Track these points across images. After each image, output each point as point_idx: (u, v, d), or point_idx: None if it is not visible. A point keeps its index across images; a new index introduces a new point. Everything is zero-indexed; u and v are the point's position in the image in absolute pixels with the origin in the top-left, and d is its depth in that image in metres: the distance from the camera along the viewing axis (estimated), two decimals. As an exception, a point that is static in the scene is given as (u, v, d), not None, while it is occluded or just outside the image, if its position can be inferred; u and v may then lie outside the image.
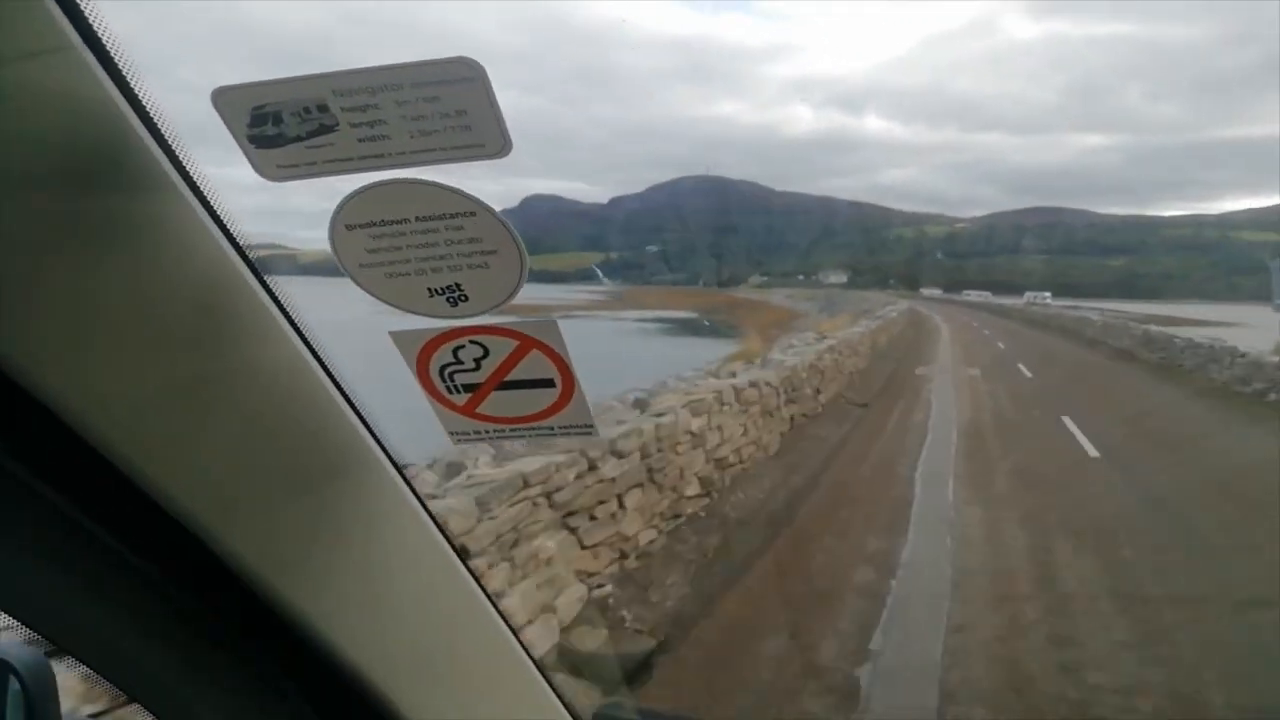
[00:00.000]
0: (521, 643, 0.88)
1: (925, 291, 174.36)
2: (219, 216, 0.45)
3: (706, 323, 64.42)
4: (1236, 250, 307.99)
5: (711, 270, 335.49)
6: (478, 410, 0.80)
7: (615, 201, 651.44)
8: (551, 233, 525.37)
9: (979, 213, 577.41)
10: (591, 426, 0.80)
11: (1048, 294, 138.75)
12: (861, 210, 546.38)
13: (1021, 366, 21.60)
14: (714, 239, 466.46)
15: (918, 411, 14.39)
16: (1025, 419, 13.83)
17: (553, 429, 0.80)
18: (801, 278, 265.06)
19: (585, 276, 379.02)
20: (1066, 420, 12.64)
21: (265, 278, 0.50)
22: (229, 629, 0.51)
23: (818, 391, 12.75)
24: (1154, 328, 27.44)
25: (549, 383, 0.78)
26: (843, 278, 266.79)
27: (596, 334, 45.37)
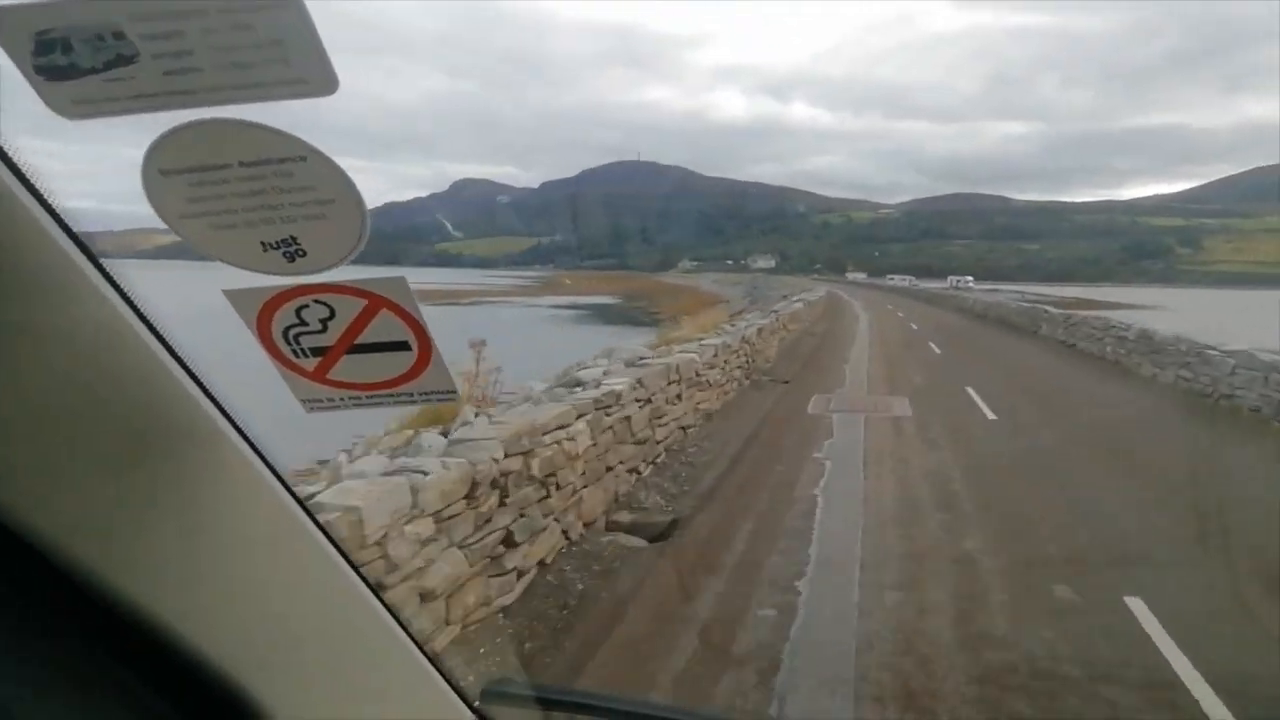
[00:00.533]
0: (406, 628, 0.85)
1: (850, 276, 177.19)
2: (14, 164, 0.41)
3: (626, 309, 63.96)
4: (1145, 235, 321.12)
5: (643, 255, 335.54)
6: (329, 376, 0.75)
7: (547, 186, 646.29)
8: (482, 217, 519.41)
9: (903, 199, 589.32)
10: (454, 392, 0.76)
11: (970, 278, 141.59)
12: (789, 196, 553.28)
13: (982, 405, 13.53)
14: (646, 224, 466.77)
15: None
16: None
17: (413, 395, 0.77)
18: (730, 262, 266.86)
19: (516, 261, 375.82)
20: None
21: (74, 231, 0.44)
22: (38, 614, 0.46)
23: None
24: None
25: (404, 345, 0.73)
26: (771, 263, 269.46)
27: (506, 321, 44.47)
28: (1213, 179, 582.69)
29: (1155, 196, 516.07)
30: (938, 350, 24.38)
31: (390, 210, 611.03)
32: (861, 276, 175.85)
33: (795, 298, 37.62)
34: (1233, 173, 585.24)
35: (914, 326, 33.14)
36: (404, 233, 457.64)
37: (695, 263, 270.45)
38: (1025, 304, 38.44)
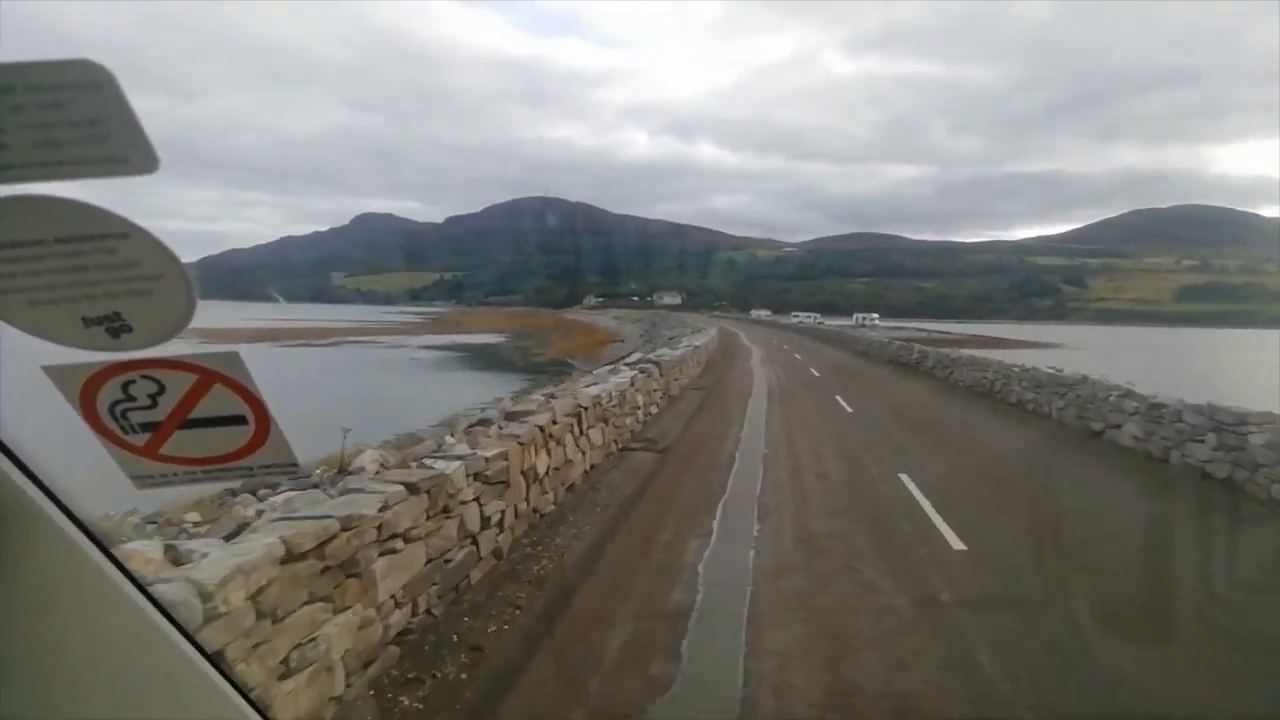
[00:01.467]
0: (245, 693, 0.78)
1: (755, 313, 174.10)
2: None
3: (507, 350, 57.64)
4: (1032, 274, 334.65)
5: (549, 291, 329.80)
6: (161, 451, 0.71)
7: (452, 221, 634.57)
8: (383, 252, 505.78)
9: (805, 237, 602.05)
10: (295, 465, 0.71)
11: (875, 316, 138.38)
12: (695, 233, 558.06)
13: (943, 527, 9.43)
14: (552, 260, 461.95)
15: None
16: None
17: (251, 469, 0.72)
18: (636, 299, 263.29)
19: (419, 297, 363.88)
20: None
21: None
22: None
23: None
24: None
25: (239, 419, 0.70)
26: (676, 299, 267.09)
27: (362, 363, 37.83)
28: (1091, 221, 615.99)
29: (1040, 238, 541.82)
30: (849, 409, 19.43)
31: (285, 244, 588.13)
32: (765, 313, 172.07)
33: (681, 342, 32.39)
34: (1109, 215, 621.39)
35: (815, 372, 28.48)
36: (297, 268, 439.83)
37: (600, 299, 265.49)
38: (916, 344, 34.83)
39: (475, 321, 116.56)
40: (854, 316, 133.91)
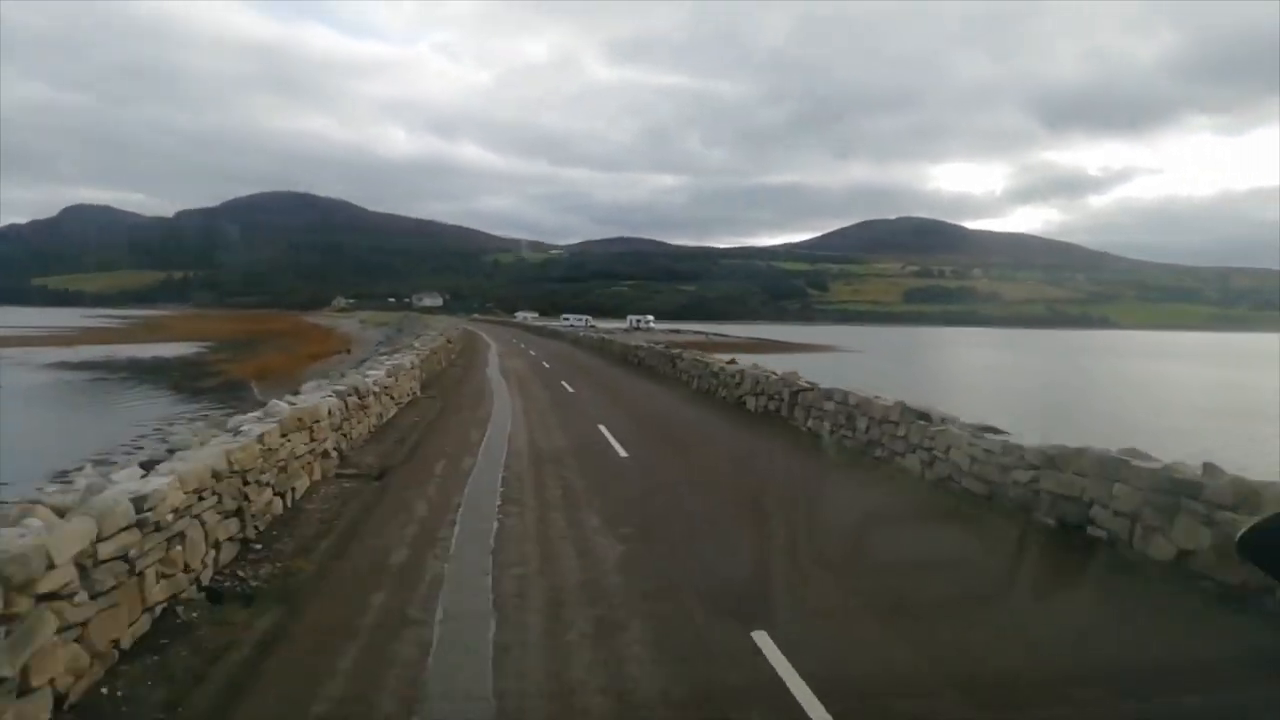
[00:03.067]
0: None
1: (521, 315, 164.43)
2: None
3: (187, 366, 46.77)
4: (780, 277, 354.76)
5: (298, 291, 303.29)
6: None
7: (184, 215, 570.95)
8: (101, 249, 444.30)
9: (572, 240, 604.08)
10: None
11: (650, 317, 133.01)
12: (461, 234, 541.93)
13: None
14: (302, 259, 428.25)
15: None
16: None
17: None
18: (393, 300, 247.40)
19: (141, 299, 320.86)
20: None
21: None
22: None
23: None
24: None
25: None
26: (438, 300, 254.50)
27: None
28: (829, 230, 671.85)
29: (785, 244, 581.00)
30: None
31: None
32: (532, 316, 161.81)
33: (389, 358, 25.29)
34: (845, 225, 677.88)
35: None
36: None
37: (351, 300, 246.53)
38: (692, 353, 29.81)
39: (188, 326, 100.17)
40: (628, 319, 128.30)
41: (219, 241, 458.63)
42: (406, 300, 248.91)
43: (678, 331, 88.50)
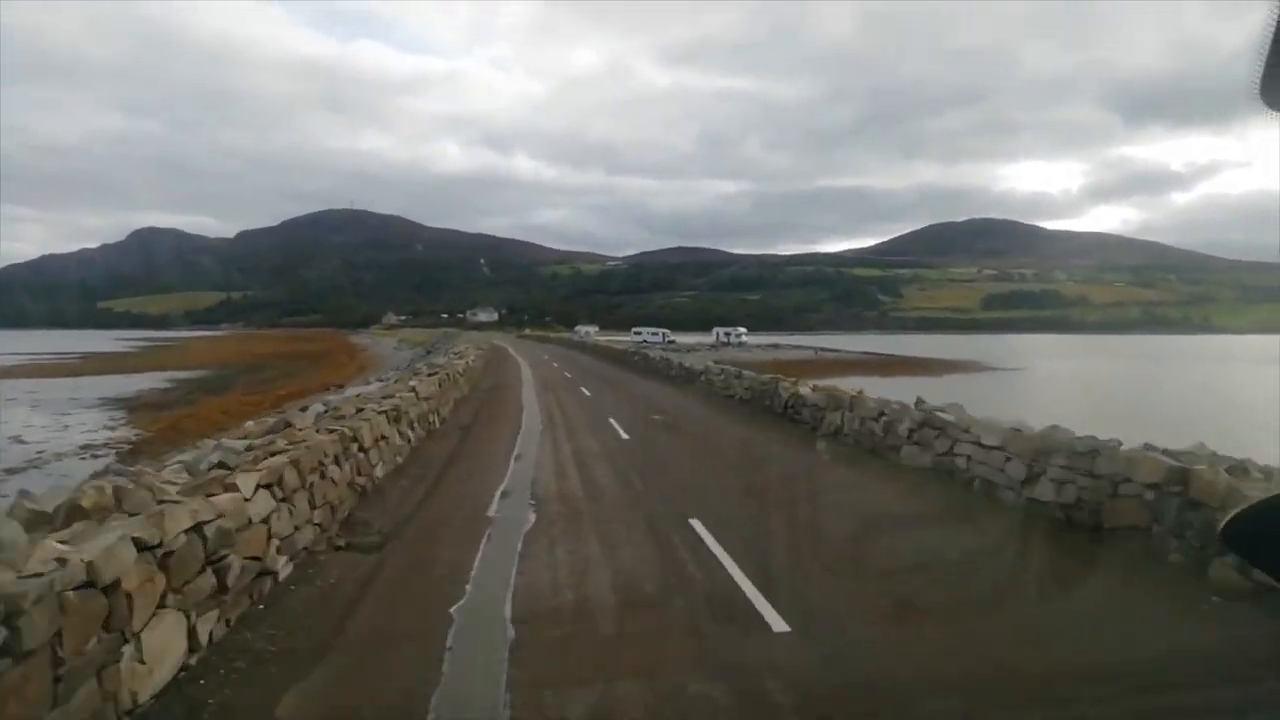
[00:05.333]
0: None
1: (582, 330, 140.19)
2: None
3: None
4: (850, 285, 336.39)
5: (351, 309, 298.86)
6: None
7: (245, 235, 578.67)
8: (165, 270, 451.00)
9: (629, 251, 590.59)
10: None
11: (743, 330, 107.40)
12: (516, 248, 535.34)
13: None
14: (358, 276, 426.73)
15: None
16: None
17: None
18: (445, 315, 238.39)
19: (199, 320, 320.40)
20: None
21: None
22: None
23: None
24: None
25: None
26: (493, 315, 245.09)
27: None
28: (897, 234, 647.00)
29: (851, 250, 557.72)
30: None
31: (44, 263, 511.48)
32: (592, 330, 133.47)
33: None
34: (913, 228, 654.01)
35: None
36: (61, 289, 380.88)
37: (404, 317, 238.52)
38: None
39: (202, 351, 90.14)
40: (714, 331, 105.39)
41: (277, 261, 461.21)
42: (460, 316, 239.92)
43: (776, 346, 74.07)
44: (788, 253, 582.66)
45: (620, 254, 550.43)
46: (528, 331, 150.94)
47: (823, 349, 77.62)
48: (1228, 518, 1.05)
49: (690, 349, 64.03)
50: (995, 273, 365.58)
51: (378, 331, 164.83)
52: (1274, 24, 0.47)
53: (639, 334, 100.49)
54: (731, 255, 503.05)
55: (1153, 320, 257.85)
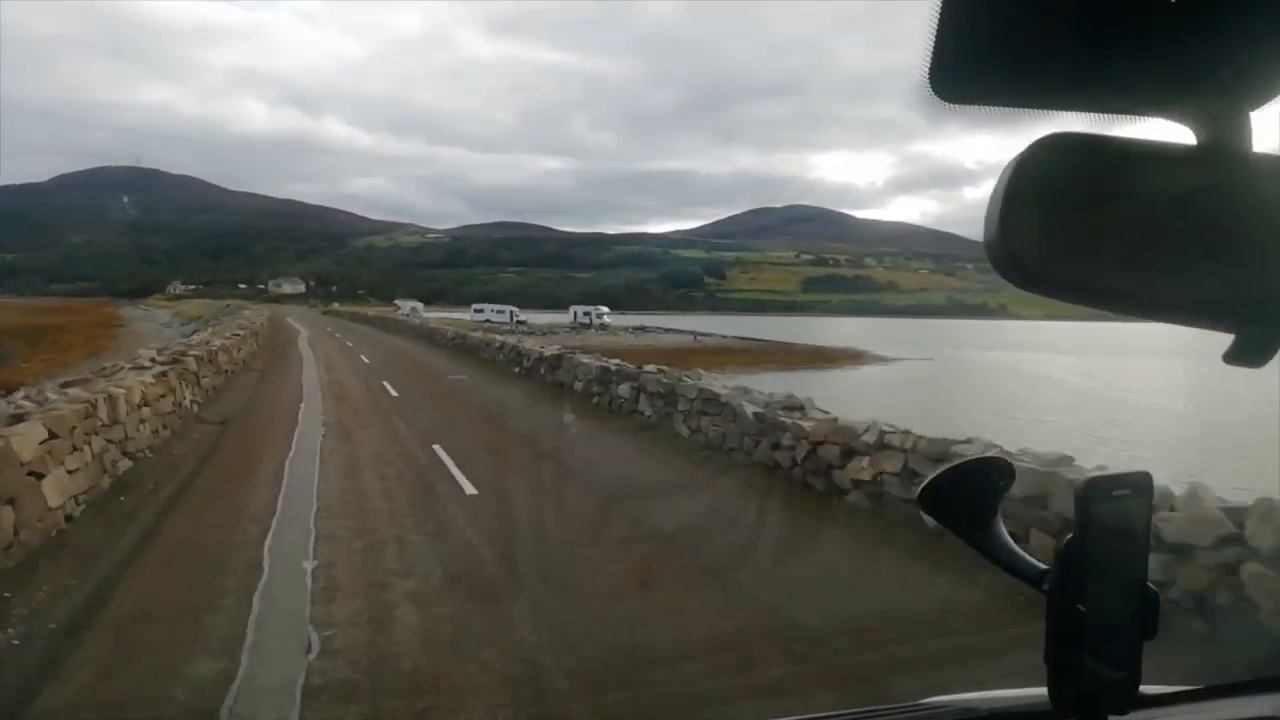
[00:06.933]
0: None
1: (407, 305, 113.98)
2: None
3: None
4: (678, 266, 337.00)
5: (132, 277, 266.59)
6: None
7: (7, 191, 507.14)
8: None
9: (451, 225, 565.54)
10: None
11: (605, 309, 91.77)
12: (329, 216, 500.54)
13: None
14: (144, 239, 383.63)
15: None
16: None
17: None
18: (244, 285, 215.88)
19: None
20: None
21: None
22: None
23: None
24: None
25: None
26: (300, 287, 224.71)
27: None
28: (719, 218, 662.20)
29: (677, 231, 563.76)
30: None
31: None
32: (418, 306, 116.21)
33: None
34: (734, 213, 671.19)
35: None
36: None
37: (193, 286, 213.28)
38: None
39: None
40: (571, 311, 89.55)
41: (46, 220, 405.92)
42: (261, 287, 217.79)
43: (644, 329, 65.99)
44: (614, 232, 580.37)
45: (441, 227, 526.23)
46: (336, 306, 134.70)
47: (701, 334, 69.12)
48: (922, 485, 1.18)
49: (545, 331, 55.66)
50: (812, 257, 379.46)
51: (157, 301, 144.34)
52: (938, 13, 0.55)
53: (480, 311, 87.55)
54: (558, 232, 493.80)
55: (956, 306, 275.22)
